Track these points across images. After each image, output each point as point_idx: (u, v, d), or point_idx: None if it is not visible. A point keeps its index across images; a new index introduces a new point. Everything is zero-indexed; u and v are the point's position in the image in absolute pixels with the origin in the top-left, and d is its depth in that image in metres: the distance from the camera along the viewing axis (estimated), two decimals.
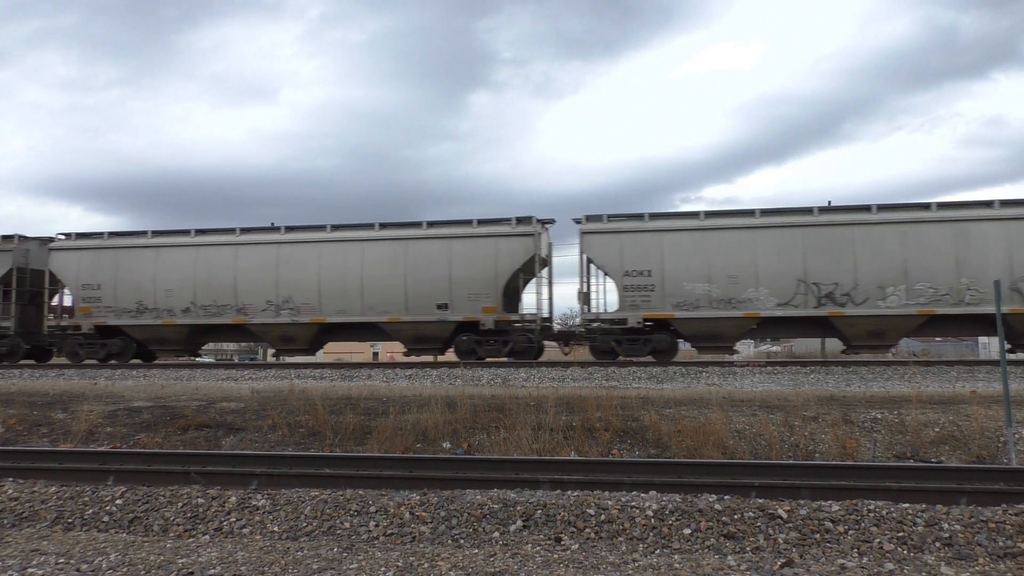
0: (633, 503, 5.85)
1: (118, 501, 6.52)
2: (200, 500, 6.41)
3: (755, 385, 13.46)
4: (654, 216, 17.93)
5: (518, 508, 5.90)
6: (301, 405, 11.08)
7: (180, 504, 6.38)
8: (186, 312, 19.57)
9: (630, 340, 17.61)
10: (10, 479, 7.22)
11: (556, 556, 5.14)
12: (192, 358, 22.45)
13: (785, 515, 5.52)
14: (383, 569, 4.86)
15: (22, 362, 21.37)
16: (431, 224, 18.85)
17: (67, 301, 21.62)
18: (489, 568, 4.84)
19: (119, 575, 4.89)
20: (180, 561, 5.08)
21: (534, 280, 18.77)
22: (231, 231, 19.81)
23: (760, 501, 5.81)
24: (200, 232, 20.08)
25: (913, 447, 8.84)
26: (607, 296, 18.69)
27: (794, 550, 5.18)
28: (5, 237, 20.88)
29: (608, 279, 18.23)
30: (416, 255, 18.63)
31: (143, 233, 20.37)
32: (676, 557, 5.09)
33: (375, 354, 46.30)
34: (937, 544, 5.15)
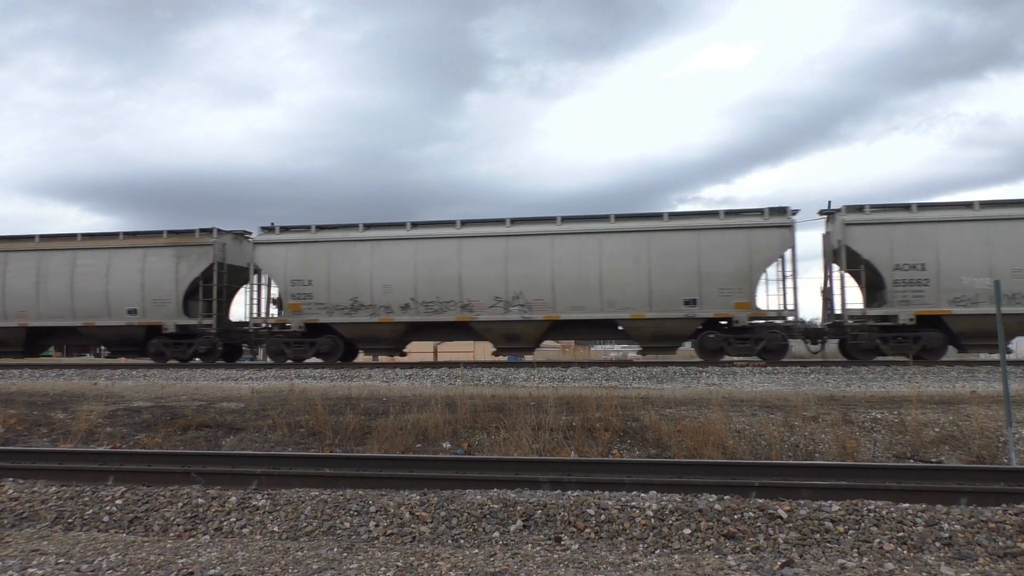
0: (633, 503, 5.85)
1: (118, 501, 6.52)
2: (200, 500, 6.41)
3: (755, 385, 13.46)
4: (923, 207, 17.25)
5: (518, 508, 5.90)
6: (301, 405, 11.08)
7: (180, 504, 6.38)
8: (405, 309, 18.55)
9: (898, 338, 16.96)
10: (10, 479, 7.22)
11: (556, 556, 5.14)
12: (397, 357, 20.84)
13: (785, 515, 5.52)
14: (383, 569, 4.86)
15: (22, 362, 21.37)
16: (673, 216, 17.93)
17: (258, 296, 20.34)
18: (489, 568, 4.85)
19: (119, 575, 4.89)
20: (180, 561, 5.08)
21: (779, 273, 17.75)
22: (451, 223, 18.79)
23: (760, 501, 5.81)
24: (417, 225, 19.08)
25: (913, 447, 8.84)
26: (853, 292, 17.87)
27: (794, 550, 5.18)
28: (204, 231, 20.03)
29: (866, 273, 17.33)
30: (661, 248, 17.65)
31: (354, 226, 19.27)
32: (676, 557, 5.09)
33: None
34: (937, 544, 5.15)
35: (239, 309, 21.46)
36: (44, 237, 20.72)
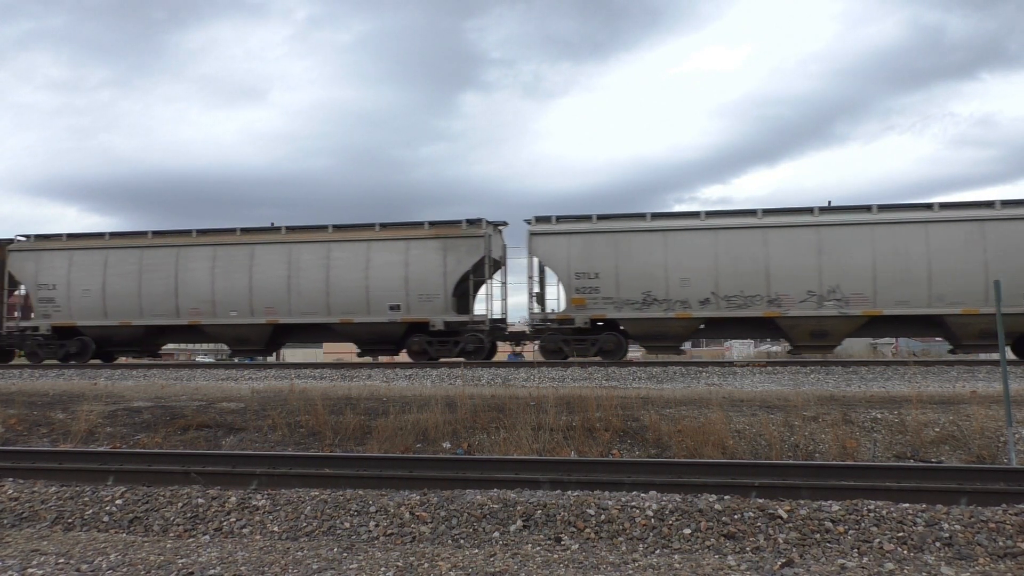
0: (633, 503, 5.85)
1: (118, 501, 6.52)
2: (200, 500, 6.41)
3: (755, 385, 13.46)
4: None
5: (518, 508, 5.90)
6: (301, 405, 11.08)
7: (180, 504, 6.38)
8: (704, 304, 17.37)
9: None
10: (10, 479, 7.22)
11: (556, 556, 5.14)
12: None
13: (785, 515, 5.52)
14: (383, 569, 4.86)
15: (21, 362, 21.35)
16: (1005, 204, 16.79)
17: (541, 291, 19.13)
18: (489, 568, 4.84)
19: (119, 575, 4.89)
20: (180, 561, 5.08)
21: None
22: (751, 213, 17.65)
23: (760, 501, 5.81)
24: (713, 214, 17.95)
25: (913, 447, 8.84)
26: None
27: (794, 550, 5.18)
28: (471, 221, 18.67)
29: None
30: (1000, 238, 16.41)
31: (640, 215, 18.11)
32: (676, 557, 5.09)
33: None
34: (937, 544, 5.15)
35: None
36: (292, 229, 19.54)
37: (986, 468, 7.09)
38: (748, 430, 9.31)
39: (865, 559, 4.99)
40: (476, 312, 18.81)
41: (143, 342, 20.42)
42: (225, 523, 6.08)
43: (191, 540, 5.79)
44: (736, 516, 5.57)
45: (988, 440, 8.81)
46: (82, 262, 20.02)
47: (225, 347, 21.86)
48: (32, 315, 20.77)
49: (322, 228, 19.30)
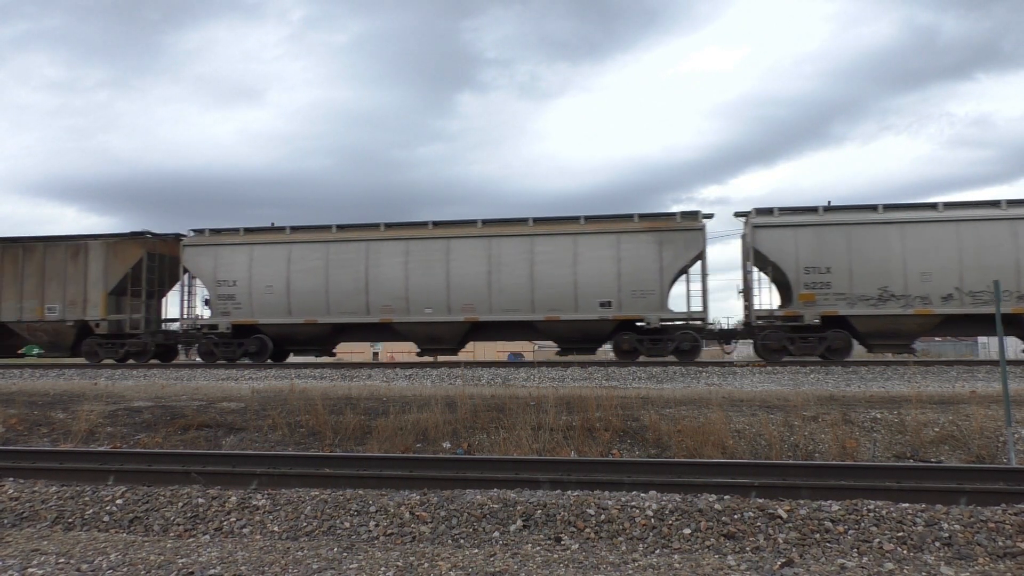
0: (633, 503, 5.85)
1: (118, 501, 6.52)
2: (200, 500, 6.41)
3: (755, 385, 13.47)
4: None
5: (518, 508, 5.90)
6: (301, 405, 11.08)
7: (180, 504, 6.39)
8: (946, 300, 16.48)
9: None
10: (10, 479, 7.22)
11: (556, 556, 5.14)
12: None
13: (785, 515, 5.53)
14: (383, 569, 4.87)
15: (21, 361, 21.35)
16: None
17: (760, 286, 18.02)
18: (489, 568, 4.85)
19: (119, 575, 4.90)
20: (180, 561, 5.09)
21: None
22: (994, 204, 16.83)
23: (760, 501, 5.81)
24: (951, 206, 17.14)
25: (913, 447, 8.85)
26: None
27: (794, 550, 5.19)
28: (687, 214, 17.76)
29: None
30: None
31: (871, 207, 17.25)
32: (676, 557, 5.10)
33: (375, 354, 46.29)
34: (937, 544, 5.15)
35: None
36: (489, 222, 18.50)
37: (986, 468, 7.10)
38: (748, 430, 9.31)
39: (865, 559, 4.99)
40: (693, 308, 17.75)
41: (325, 341, 19.69)
42: (225, 523, 6.09)
43: (191, 540, 5.79)
44: (736, 516, 5.58)
45: (987, 440, 8.82)
46: (264, 257, 19.10)
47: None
48: (205, 313, 19.86)
49: (522, 221, 18.36)
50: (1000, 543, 5.11)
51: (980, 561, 4.93)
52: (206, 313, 19.74)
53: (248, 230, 19.61)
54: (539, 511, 5.83)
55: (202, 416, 11.01)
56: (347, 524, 5.92)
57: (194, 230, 19.99)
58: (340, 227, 19.08)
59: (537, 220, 18.27)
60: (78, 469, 7.46)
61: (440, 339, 18.73)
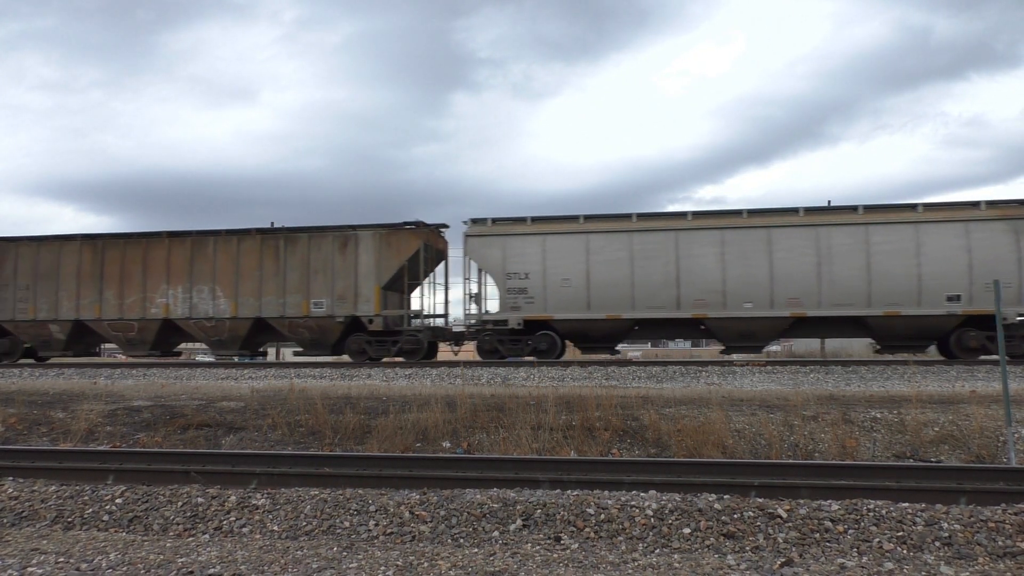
0: (633, 502, 5.85)
1: (118, 500, 6.52)
2: (200, 499, 6.41)
3: (755, 384, 13.46)
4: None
5: (518, 507, 5.90)
6: (301, 404, 11.08)
7: (180, 503, 6.38)
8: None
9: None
10: (10, 478, 7.22)
11: (556, 555, 5.14)
12: None
13: (785, 514, 5.53)
14: (383, 568, 4.86)
15: (22, 361, 21.32)
16: None
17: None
18: (489, 567, 4.85)
19: (119, 574, 4.89)
20: (180, 560, 5.08)
21: None
22: None
23: (760, 500, 5.81)
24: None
25: (913, 446, 8.85)
26: None
27: (794, 549, 5.19)
28: (960, 204, 16.84)
29: None
30: None
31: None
32: (676, 556, 5.10)
33: None
34: (937, 543, 5.15)
35: None
36: (813, 210, 17.36)
37: (985, 468, 7.10)
38: (748, 429, 9.31)
39: (864, 558, 4.99)
40: None
41: (621, 337, 18.67)
42: (225, 522, 6.08)
43: (191, 539, 5.79)
44: (736, 515, 5.57)
45: (987, 440, 8.81)
46: (558, 248, 18.03)
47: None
48: (491, 308, 18.84)
49: (851, 209, 17.24)
50: (1000, 543, 5.11)
51: (980, 561, 4.93)
52: (472, 308, 18.81)
53: (536, 219, 18.49)
54: (539, 510, 5.83)
55: (202, 415, 11.01)
56: (347, 523, 5.92)
57: (474, 219, 18.73)
58: (641, 216, 18.04)
59: (868, 208, 17.17)
60: (77, 468, 7.45)
61: (754, 336, 17.64)
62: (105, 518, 6.30)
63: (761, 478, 6.52)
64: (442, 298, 19.51)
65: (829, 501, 5.75)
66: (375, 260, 18.73)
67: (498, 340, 18.23)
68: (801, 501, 5.78)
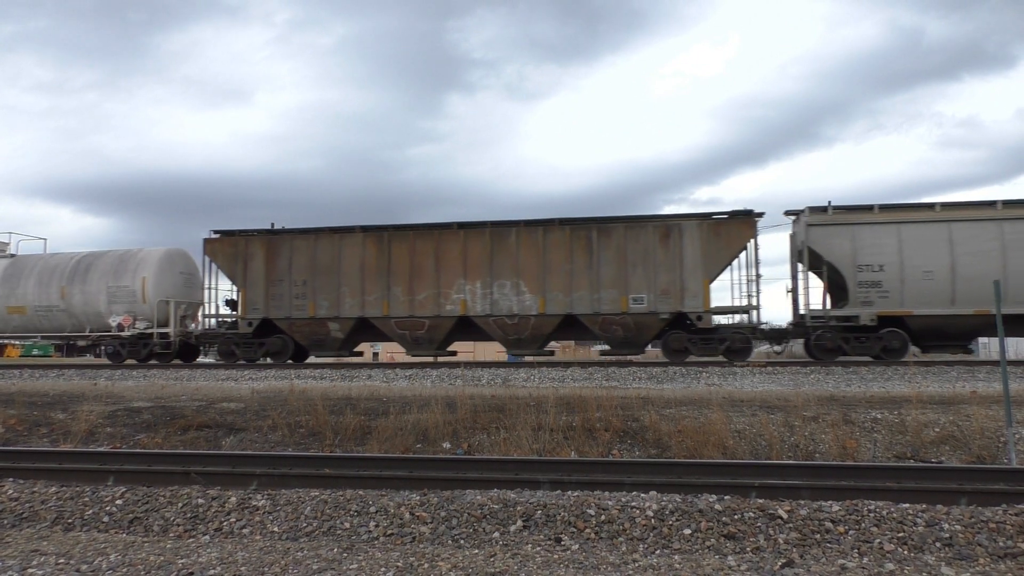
0: (633, 503, 5.85)
1: (118, 501, 6.52)
2: (200, 500, 6.41)
3: (755, 385, 13.46)
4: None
5: (518, 508, 5.89)
6: (301, 405, 11.08)
7: (180, 504, 6.38)
8: None
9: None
10: (10, 479, 7.22)
11: (556, 556, 5.14)
12: None
13: (785, 515, 5.52)
14: (383, 569, 4.86)
15: (22, 361, 21.34)
16: None
17: None
18: (489, 568, 4.84)
19: (119, 575, 4.89)
20: (180, 561, 5.08)
21: None
22: None
23: (760, 501, 5.81)
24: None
25: (913, 447, 8.84)
26: None
27: (794, 550, 5.18)
28: None
29: None
30: None
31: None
32: (676, 557, 5.09)
33: (375, 354, 46.27)
34: (937, 544, 5.15)
35: None
36: (1012, 203, 16.86)
37: (986, 468, 7.09)
38: (748, 430, 9.31)
39: (865, 559, 4.99)
40: None
41: (978, 333, 17.60)
42: (225, 523, 6.08)
43: (191, 540, 5.79)
44: (736, 516, 5.57)
45: (988, 440, 8.81)
46: (917, 238, 16.93)
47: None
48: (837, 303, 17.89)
49: None
50: (1001, 543, 5.11)
51: (981, 561, 4.92)
52: (815, 303, 17.63)
53: (884, 207, 17.40)
54: (539, 511, 5.83)
55: (202, 416, 11.01)
56: (347, 524, 5.92)
57: (811, 208, 17.59)
58: (1008, 203, 16.98)
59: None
60: (78, 469, 7.45)
61: None
62: (105, 519, 6.29)
63: (762, 479, 6.52)
64: (748, 292, 17.53)
65: (830, 502, 5.75)
66: (702, 252, 17.48)
67: (842, 338, 17.03)
68: (802, 502, 5.78)
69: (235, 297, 20.00)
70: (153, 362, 20.58)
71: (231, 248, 19.73)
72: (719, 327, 17.64)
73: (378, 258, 18.84)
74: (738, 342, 17.42)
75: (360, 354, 21.36)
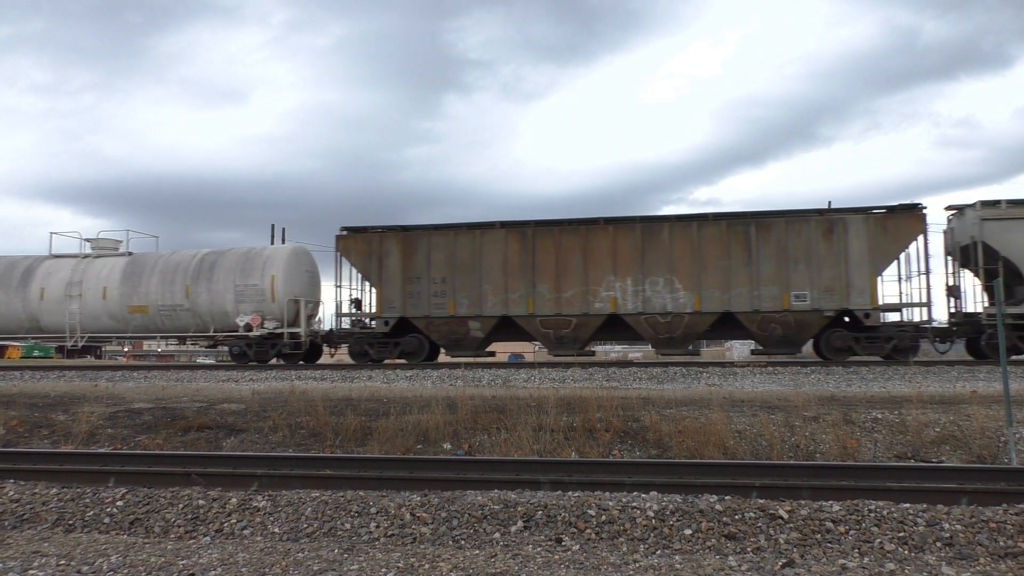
0: (634, 504, 5.85)
1: (119, 503, 6.52)
2: (201, 501, 6.41)
3: (756, 385, 13.46)
4: None
5: (519, 509, 5.90)
6: (302, 406, 11.08)
7: (181, 506, 6.38)
8: None
9: None
10: (11, 481, 7.21)
11: (557, 557, 5.14)
12: None
13: (786, 515, 5.52)
14: (384, 570, 4.86)
15: (23, 363, 21.35)
16: None
17: None
18: (490, 569, 4.85)
19: None
20: (181, 563, 5.09)
21: None
22: None
23: (761, 501, 5.81)
24: None
25: (914, 447, 8.84)
26: None
27: (795, 550, 5.18)
28: None
29: None
30: None
31: None
32: (677, 558, 5.09)
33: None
34: (938, 544, 5.15)
35: None
36: None
37: (987, 468, 7.10)
38: (749, 430, 9.31)
39: (866, 559, 4.99)
40: None
41: None
42: (226, 524, 6.08)
43: (192, 541, 5.79)
44: (737, 516, 5.57)
45: (988, 440, 8.81)
46: None
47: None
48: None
49: None
50: (1001, 543, 5.11)
51: (981, 561, 4.93)
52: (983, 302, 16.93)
53: None
54: (540, 512, 5.83)
55: (202, 418, 11.01)
56: (348, 525, 5.92)
57: (984, 202, 16.94)
58: None
59: None
60: (78, 471, 7.45)
61: None
62: (106, 520, 6.29)
63: (762, 479, 6.52)
64: (907, 288, 16.92)
65: (830, 502, 5.75)
66: (868, 247, 16.86)
67: (1017, 336, 16.25)
68: (802, 502, 5.78)
69: (359, 296, 19.46)
70: (274, 362, 19.71)
71: (365, 245, 19.04)
72: (883, 325, 16.97)
73: (521, 255, 18.27)
74: (906, 340, 16.77)
75: (493, 354, 20.62)
